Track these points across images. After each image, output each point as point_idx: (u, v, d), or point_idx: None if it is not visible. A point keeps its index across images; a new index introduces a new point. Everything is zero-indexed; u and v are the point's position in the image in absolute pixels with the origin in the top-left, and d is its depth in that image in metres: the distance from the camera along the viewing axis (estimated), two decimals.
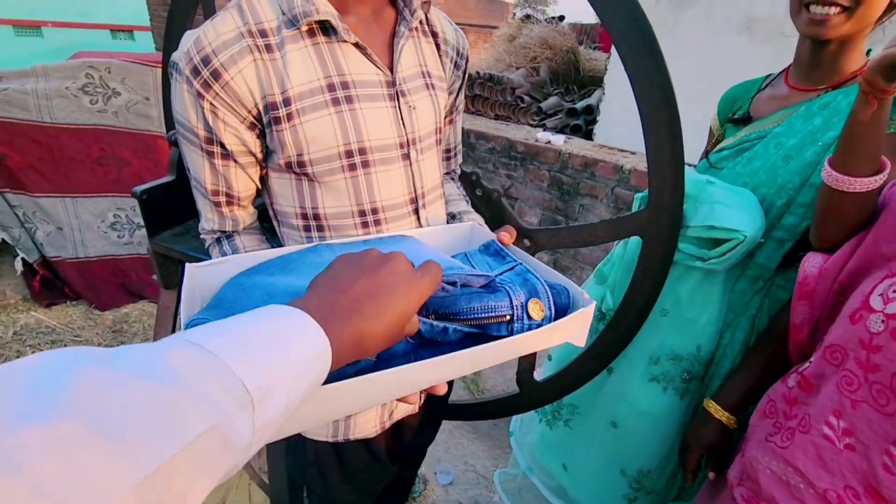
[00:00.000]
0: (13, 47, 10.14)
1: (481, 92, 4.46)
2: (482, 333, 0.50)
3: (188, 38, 0.56)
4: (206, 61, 0.55)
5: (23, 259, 2.22)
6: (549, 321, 0.51)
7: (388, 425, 0.80)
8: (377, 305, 0.39)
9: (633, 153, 2.46)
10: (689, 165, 1.18)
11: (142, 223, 2.49)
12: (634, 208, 1.00)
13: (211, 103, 0.56)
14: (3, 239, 2.14)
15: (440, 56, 0.74)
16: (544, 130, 3.19)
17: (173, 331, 1.26)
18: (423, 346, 0.49)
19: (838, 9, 0.77)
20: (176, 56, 0.56)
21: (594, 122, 3.59)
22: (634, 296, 1.01)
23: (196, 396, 0.26)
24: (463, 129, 3.05)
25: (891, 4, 0.79)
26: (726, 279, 0.93)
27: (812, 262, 0.72)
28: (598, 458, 1.14)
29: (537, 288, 0.53)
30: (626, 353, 1.06)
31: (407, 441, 0.89)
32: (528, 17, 5.10)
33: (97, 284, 2.34)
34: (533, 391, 1.25)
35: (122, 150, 2.28)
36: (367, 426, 0.77)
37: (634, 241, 1.06)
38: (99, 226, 2.35)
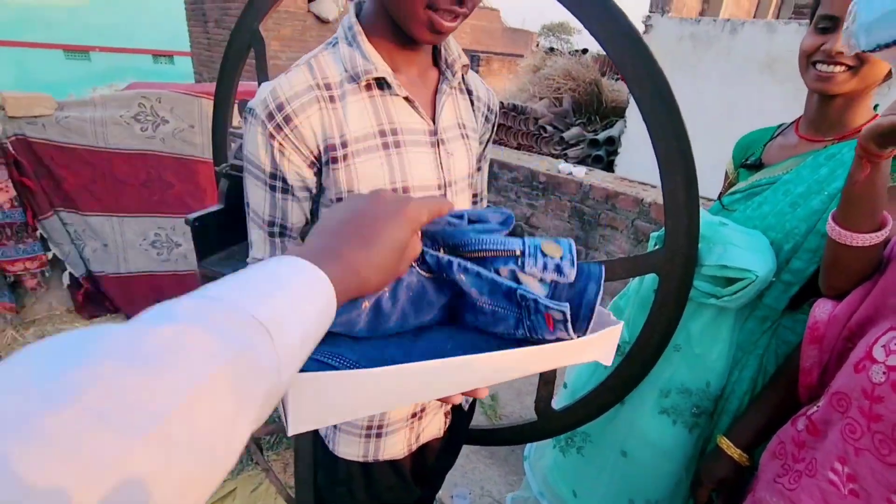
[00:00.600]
0: (63, 69, 10.83)
1: (504, 121, 4.58)
2: (494, 286, 0.50)
3: (265, 89, 0.65)
4: (280, 108, 0.64)
5: (70, 273, 2.37)
6: (571, 264, 0.51)
7: (414, 447, 0.86)
8: (362, 234, 0.41)
9: (654, 186, 2.50)
10: (710, 201, 1.23)
11: (179, 242, 2.63)
12: (650, 247, 1.06)
13: (280, 144, 0.65)
14: (54, 254, 2.29)
15: (474, 111, 0.83)
16: (566, 160, 3.27)
17: None
18: (460, 331, 0.52)
19: (843, 67, 0.83)
20: (253, 103, 0.66)
21: (616, 152, 3.65)
22: (651, 331, 1.05)
23: (215, 331, 0.27)
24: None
25: None
26: (736, 318, 0.97)
27: (822, 309, 0.76)
28: (608, 486, 1.17)
29: (561, 241, 0.54)
30: None
31: (430, 464, 0.94)
32: (552, 49, 5.24)
33: (135, 299, 2.47)
34: (550, 419, 1.29)
35: (166, 174, 2.43)
36: (396, 448, 0.83)
37: (650, 278, 1.11)
38: (141, 243, 2.49)
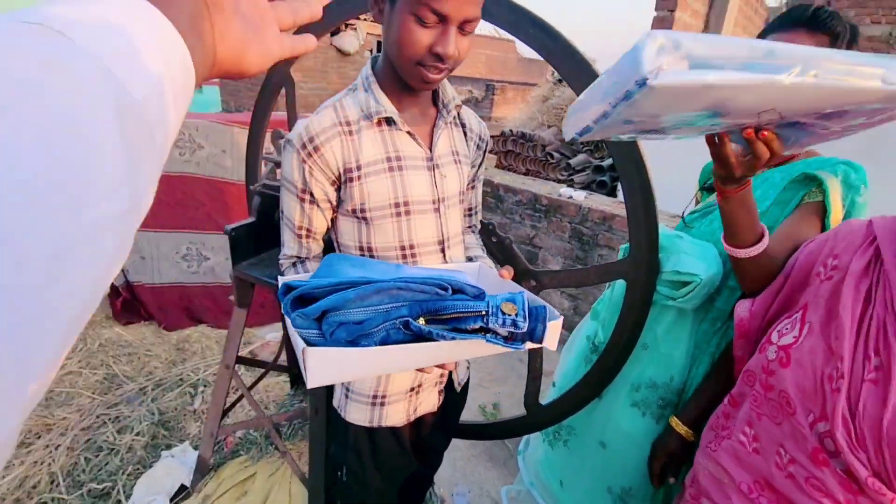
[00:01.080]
0: None
1: (514, 148, 4.79)
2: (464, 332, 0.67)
3: (300, 125, 0.85)
4: (311, 140, 0.83)
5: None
6: (524, 318, 0.68)
7: (412, 418, 1.02)
8: None
9: None
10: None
11: (208, 256, 2.86)
12: (619, 257, 1.22)
13: (310, 166, 0.84)
14: None
15: (467, 140, 1.01)
16: (572, 185, 3.44)
17: (239, 345, 1.53)
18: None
19: None
20: (290, 136, 0.85)
21: (619, 178, 3.82)
22: (622, 329, 1.21)
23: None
24: (493, 182, 3.31)
25: None
26: (693, 320, 1.12)
27: (742, 307, 0.91)
28: (590, 475, 1.30)
29: (516, 298, 0.71)
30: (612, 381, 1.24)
31: (426, 437, 1.10)
32: (560, 80, 5.48)
33: (167, 307, 2.69)
34: (538, 413, 1.43)
35: (199, 194, 2.68)
36: (397, 416, 0.99)
37: (620, 285, 1.26)
38: (173, 256, 2.72)
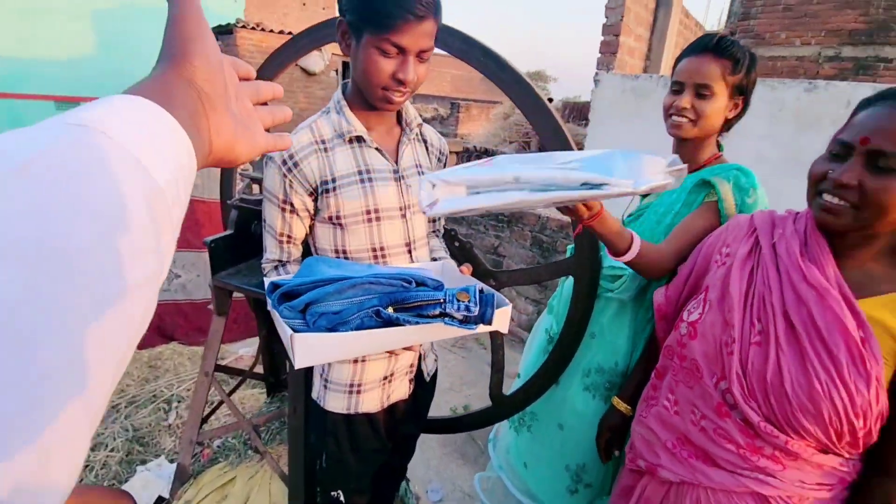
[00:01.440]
0: None
1: None
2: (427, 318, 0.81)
3: None
4: (290, 157, 0.95)
5: None
6: (475, 304, 0.81)
7: (386, 405, 1.12)
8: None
9: None
10: None
11: (178, 274, 2.89)
12: (567, 256, 1.37)
13: (290, 180, 0.96)
14: None
15: (428, 154, 1.15)
16: None
17: (217, 353, 1.59)
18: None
19: (686, 119, 1.15)
20: (272, 153, 0.96)
21: None
22: (572, 319, 1.35)
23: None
24: None
25: (725, 120, 1.19)
26: (633, 310, 1.28)
27: (659, 294, 1.06)
28: (550, 456, 1.42)
29: (469, 289, 0.84)
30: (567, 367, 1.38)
31: (398, 424, 1.20)
32: None
33: None
34: (502, 404, 1.56)
35: None
36: (372, 403, 1.10)
37: (570, 280, 1.41)
38: None
